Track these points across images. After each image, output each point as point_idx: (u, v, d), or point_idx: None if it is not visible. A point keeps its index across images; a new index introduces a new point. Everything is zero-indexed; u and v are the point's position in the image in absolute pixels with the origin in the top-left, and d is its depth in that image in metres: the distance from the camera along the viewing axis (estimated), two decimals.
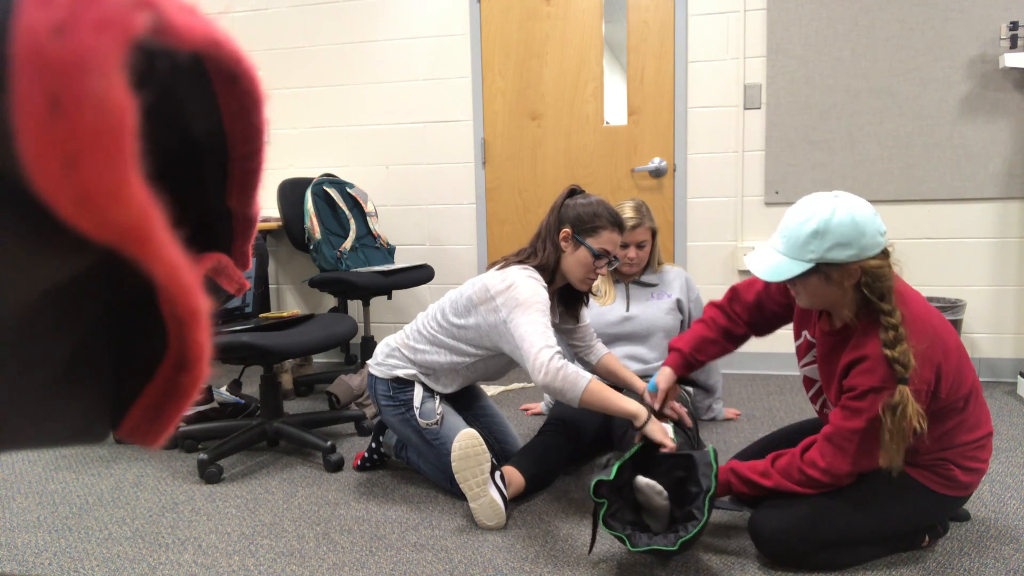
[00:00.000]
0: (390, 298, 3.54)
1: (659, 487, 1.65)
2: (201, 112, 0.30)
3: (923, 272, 3.35)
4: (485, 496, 1.93)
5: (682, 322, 2.66)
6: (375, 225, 3.63)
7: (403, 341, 2.19)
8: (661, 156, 3.59)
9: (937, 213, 3.31)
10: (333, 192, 3.50)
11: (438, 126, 3.82)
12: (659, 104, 3.57)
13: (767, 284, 1.90)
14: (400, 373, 2.15)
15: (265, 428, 2.50)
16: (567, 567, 1.74)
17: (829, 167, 3.37)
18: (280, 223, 3.49)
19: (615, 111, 3.65)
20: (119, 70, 0.20)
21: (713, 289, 3.55)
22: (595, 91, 3.64)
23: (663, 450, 1.77)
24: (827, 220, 1.51)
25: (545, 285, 2.01)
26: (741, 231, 3.51)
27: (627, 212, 2.55)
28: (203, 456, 2.32)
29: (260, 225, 3.53)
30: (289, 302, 4.17)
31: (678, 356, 1.99)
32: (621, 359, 2.54)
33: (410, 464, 2.30)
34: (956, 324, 3.13)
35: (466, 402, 2.35)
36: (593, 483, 1.66)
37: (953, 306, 3.13)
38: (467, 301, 2.06)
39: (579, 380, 1.84)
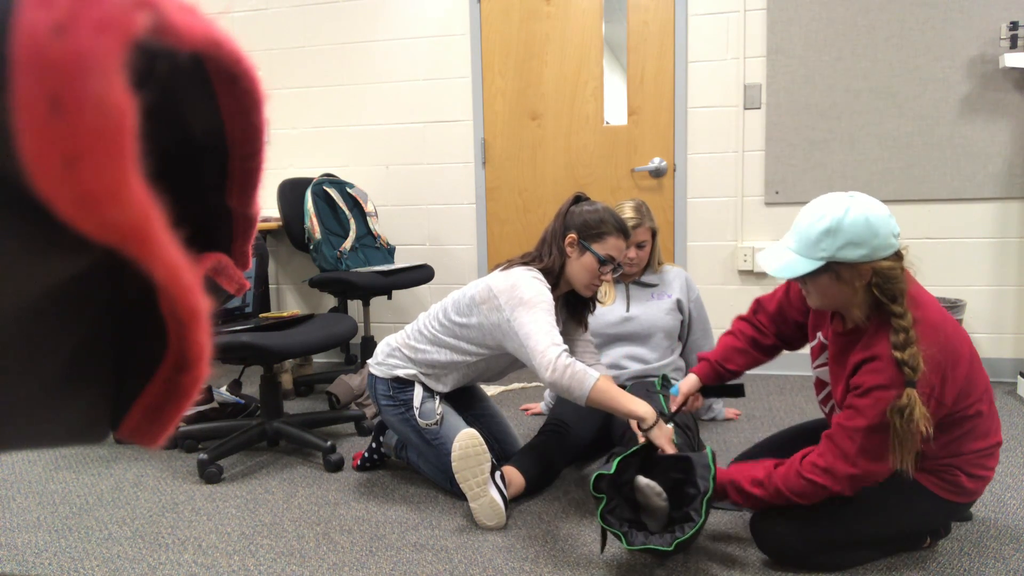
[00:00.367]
0: (390, 298, 3.54)
1: (658, 488, 1.65)
2: (201, 112, 0.30)
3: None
4: (485, 496, 1.93)
5: (682, 322, 2.66)
6: (375, 225, 3.63)
7: (404, 341, 2.19)
8: (661, 156, 3.59)
9: (937, 213, 3.31)
10: (333, 192, 3.50)
11: (438, 126, 3.82)
12: (659, 104, 3.57)
13: (787, 291, 1.90)
14: (400, 373, 2.15)
15: (265, 428, 2.50)
16: (567, 567, 1.74)
17: (829, 167, 3.37)
18: (280, 223, 3.49)
19: (615, 111, 3.65)
20: (119, 70, 0.20)
21: (713, 289, 3.55)
22: (595, 91, 3.64)
23: (660, 452, 1.78)
24: (840, 219, 1.50)
25: (548, 287, 2.01)
26: (741, 231, 3.51)
27: (627, 212, 2.55)
28: (203, 456, 2.32)
29: (260, 225, 3.53)
30: (289, 302, 4.17)
31: (705, 364, 1.97)
32: (621, 359, 2.54)
33: (410, 464, 2.30)
34: None
35: (466, 402, 2.35)
36: (593, 477, 1.66)
37: (953, 306, 3.13)
38: (470, 300, 2.06)
39: (587, 378, 1.84)
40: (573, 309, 2.21)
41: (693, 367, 2.02)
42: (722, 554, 1.78)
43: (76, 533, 1.98)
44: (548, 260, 2.06)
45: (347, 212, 3.51)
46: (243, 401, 2.96)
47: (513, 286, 1.97)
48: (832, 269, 1.54)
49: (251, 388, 3.44)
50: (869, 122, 3.32)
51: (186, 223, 0.32)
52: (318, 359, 4.12)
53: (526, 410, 2.99)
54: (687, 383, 1.96)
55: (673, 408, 1.95)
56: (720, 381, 1.97)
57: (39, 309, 0.26)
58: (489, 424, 2.35)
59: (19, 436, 0.29)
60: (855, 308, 1.60)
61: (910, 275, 1.60)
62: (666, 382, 2.44)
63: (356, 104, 3.91)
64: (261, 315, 2.84)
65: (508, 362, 2.16)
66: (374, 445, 2.38)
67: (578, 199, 2.13)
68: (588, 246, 2.03)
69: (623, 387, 2.23)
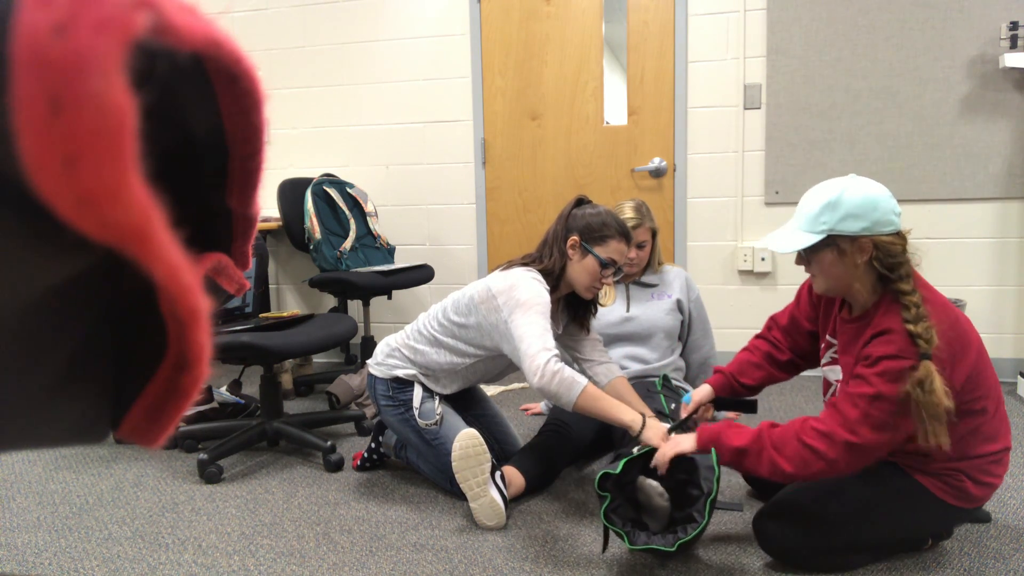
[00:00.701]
0: (390, 298, 3.54)
1: (660, 488, 1.65)
2: (201, 112, 0.30)
3: (923, 272, 3.34)
4: (485, 496, 1.93)
5: (682, 322, 2.66)
6: (375, 225, 3.63)
7: (403, 341, 2.19)
8: (661, 156, 3.59)
9: (937, 213, 3.31)
10: (333, 192, 3.50)
11: (438, 126, 3.82)
12: (659, 104, 3.57)
13: (797, 301, 1.90)
14: (400, 373, 2.15)
15: (265, 428, 2.50)
16: (567, 567, 1.74)
17: (829, 167, 3.37)
18: (280, 223, 3.49)
19: (615, 111, 3.65)
20: (119, 70, 0.20)
21: (713, 289, 3.55)
22: (595, 91, 3.64)
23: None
24: (840, 193, 1.54)
25: (548, 288, 2.01)
26: (741, 231, 3.51)
27: (627, 212, 2.55)
28: (203, 456, 2.32)
29: (260, 225, 3.53)
30: (289, 302, 4.17)
31: (720, 376, 1.95)
32: (621, 359, 2.54)
33: (410, 464, 2.30)
34: None
35: (466, 402, 2.35)
36: (599, 476, 1.66)
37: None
38: (469, 300, 2.06)
39: (574, 385, 1.83)
40: (575, 312, 2.21)
41: (708, 378, 1.98)
42: (724, 555, 1.78)
43: (76, 533, 1.98)
44: (549, 262, 2.06)
45: (347, 212, 3.51)
46: (243, 401, 2.96)
47: (512, 287, 1.97)
48: (834, 244, 1.55)
49: (251, 388, 3.44)
50: (869, 122, 3.32)
51: (186, 223, 0.32)
52: (318, 359, 4.12)
53: (526, 410, 2.99)
54: (700, 392, 1.93)
55: (683, 415, 1.93)
56: (734, 395, 1.94)
57: (39, 309, 0.26)
58: (489, 424, 2.35)
59: (19, 436, 0.29)
60: (859, 287, 1.59)
61: (922, 282, 1.59)
62: (667, 382, 2.44)
63: (356, 104, 3.91)
64: (261, 315, 2.84)
65: (507, 363, 2.16)
66: (373, 445, 2.38)
67: (580, 202, 2.13)
68: (590, 249, 2.03)
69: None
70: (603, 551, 1.78)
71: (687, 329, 2.69)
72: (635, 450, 1.76)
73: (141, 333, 0.31)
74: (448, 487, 2.14)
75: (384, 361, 2.20)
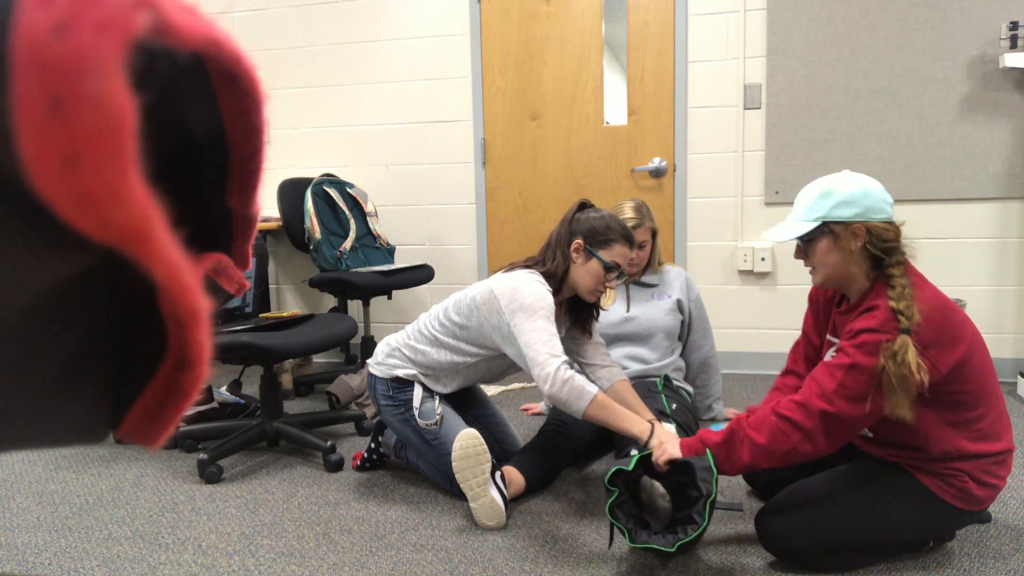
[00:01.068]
0: (390, 298, 3.54)
1: (662, 489, 1.66)
2: (201, 112, 0.30)
3: (923, 272, 3.34)
4: (485, 496, 1.93)
5: (682, 322, 2.66)
6: (375, 225, 3.63)
7: (404, 341, 2.19)
8: (661, 156, 3.59)
9: (937, 213, 3.31)
10: (333, 192, 3.50)
11: (438, 126, 3.82)
12: (659, 104, 3.57)
13: (805, 320, 1.91)
14: (400, 373, 2.15)
15: (265, 428, 2.50)
16: (567, 567, 1.74)
17: (829, 167, 3.37)
18: (280, 223, 3.49)
19: (615, 111, 3.65)
20: (119, 70, 0.20)
21: (713, 289, 3.55)
22: (595, 91, 3.64)
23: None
24: (833, 183, 1.61)
25: (550, 291, 2.02)
26: (741, 231, 3.51)
27: (627, 212, 2.55)
28: (203, 456, 2.32)
29: (260, 225, 3.53)
30: (289, 302, 4.17)
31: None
32: (622, 359, 2.54)
33: (409, 464, 2.30)
34: None
35: (466, 402, 2.35)
36: (612, 471, 1.67)
37: None
38: (470, 301, 2.06)
39: (584, 394, 1.85)
40: (577, 316, 2.20)
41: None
42: (725, 554, 1.78)
43: (76, 533, 1.98)
44: (552, 264, 2.06)
45: (347, 212, 3.51)
46: (243, 401, 2.96)
47: (514, 289, 1.97)
48: (828, 231, 1.60)
49: (251, 388, 3.44)
50: (869, 122, 3.32)
51: (186, 223, 0.32)
52: (318, 359, 4.12)
53: (526, 410, 2.99)
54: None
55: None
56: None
57: (39, 309, 0.26)
58: (489, 424, 2.35)
59: (19, 436, 0.29)
60: (856, 273, 1.62)
61: (911, 265, 1.62)
62: (668, 383, 2.44)
63: (356, 104, 3.91)
64: (261, 315, 2.84)
65: (507, 364, 2.16)
66: (373, 445, 2.38)
67: (583, 206, 2.14)
68: (594, 252, 2.03)
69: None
70: (609, 547, 1.78)
71: (687, 329, 2.69)
72: (634, 452, 1.77)
73: (141, 333, 0.31)
74: (448, 487, 2.14)
75: (384, 361, 2.20)
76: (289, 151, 4.02)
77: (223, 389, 3.10)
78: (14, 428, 0.28)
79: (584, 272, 2.05)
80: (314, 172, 3.88)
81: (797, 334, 2.35)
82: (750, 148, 3.46)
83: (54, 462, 2.54)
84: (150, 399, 0.31)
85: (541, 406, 2.95)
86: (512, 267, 2.10)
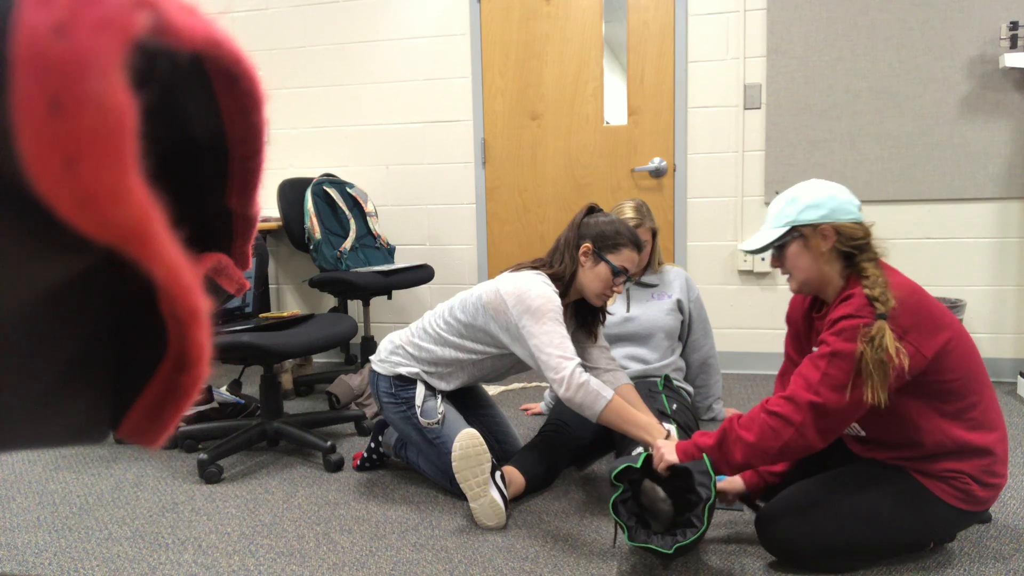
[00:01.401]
0: (390, 298, 3.54)
1: (663, 493, 1.66)
2: (201, 112, 0.30)
3: (923, 272, 3.35)
4: (485, 496, 1.93)
5: (682, 322, 2.66)
6: (375, 225, 3.63)
7: (408, 339, 2.19)
8: (661, 156, 3.59)
9: (937, 213, 3.31)
10: (333, 192, 3.50)
11: (438, 126, 3.82)
12: (659, 104, 3.57)
13: (787, 340, 1.92)
14: (403, 371, 2.15)
15: (265, 428, 2.50)
16: (567, 567, 1.74)
17: (829, 167, 3.37)
18: (280, 223, 3.49)
19: (615, 111, 3.65)
20: (119, 70, 0.20)
21: (713, 289, 3.55)
22: (595, 91, 3.64)
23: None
24: (799, 189, 1.67)
25: (557, 292, 2.02)
26: (741, 231, 3.51)
27: (627, 212, 2.55)
28: (203, 456, 2.32)
29: (260, 225, 3.53)
30: (289, 302, 4.17)
31: (755, 473, 1.89)
32: (622, 360, 2.54)
33: (409, 464, 2.30)
34: None
35: (467, 402, 2.35)
36: (620, 468, 1.67)
37: (953, 306, 3.13)
38: (476, 300, 2.07)
39: (600, 398, 1.86)
40: (583, 319, 2.20)
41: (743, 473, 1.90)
42: (725, 555, 1.78)
43: (76, 533, 1.98)
44: (560, 267, 2.07)
45: (347, 212, 3.51)
46: (243, 401, 2.96)
47: (521, 290, 1.98)
48: (798, 234, 1.64)
49: (251, 388, 3.44)
50: (869, 122, 3.32)
51: (186, 223, 0.32)
52: (318, 359, 4.12)
53: (526, 410, 2.99)
54: (729, 483, 1.88)
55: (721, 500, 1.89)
56: (765, 484, 1.89)
57: (39, 309, 0.26)
58: (490, 424, 2.35)
59: (19, 436, 0.29)
60: (829, 275, 1.64)
61: (889, 266, 1.64)
62: (668, 383, 2.44)
63: (356, 104, 3.91)
64: (261, 315, 2.84)
65: (512, 363, 2.16)
66: (373, 445, 2.38)
67: (592, 210, 2.14)
68: (603, 256, 2.04)
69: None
70: (613, 544, 1.78)
71: (687, 329, 2.69)
72: (638, 451, 1.77)
73: (141, 333, 0.31)
74: (448, 486, 2.14)
75: (388, 358, 2.20)
76: (289, 151, 4.02)
77: (223, 389, 3.10)
78: (14, 428, 0.28)
79: (592, 276, 2.05)
80: (314, 172, 3.88)
81: None
82: (750, 148, 3.46)
83: (54, 462, 2.54)
84: (150, 399, 0.31)
85: (541, 406, 2.95)
86: (519, 267, 2.11)
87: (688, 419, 2.23)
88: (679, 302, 2.63)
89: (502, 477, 2.01)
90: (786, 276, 1.72)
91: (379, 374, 2.20)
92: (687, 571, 1.70)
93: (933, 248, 3.32)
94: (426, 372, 2.16)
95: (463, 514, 2.04)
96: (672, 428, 1.92)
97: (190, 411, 2.74)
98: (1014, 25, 3.04)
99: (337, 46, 3.90)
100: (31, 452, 2.66)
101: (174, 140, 0.30)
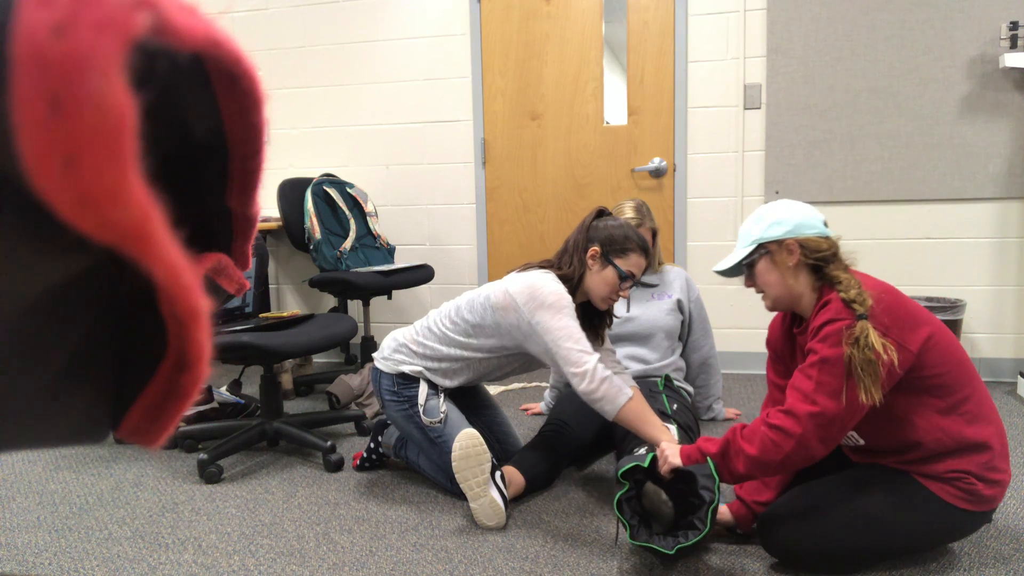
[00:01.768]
0: (390, 298, 3.54)
1: (665, 496, 1.66)
2: (201, 112, 0.30)
3: (923, 272, 3.35)
4: (485, 496, 1.93)
5: (683, 322, 2.66)
6: (375, 225, 3.63)
7: (412, 337, 2.19)
8: (661, 156, 3.59)
9: (937, 213, 3.31)
10: (333, 192, 3.50)
11: (438, 126, 3.82)
12: (659, 104, 3.57)
13: (768, 366, 1.93)
14: (406, 369, 2.15)
15: (265, 428, 2.50)
16: (567, 567, 1.74)
17: (829, 167, 3.37)
18: (280, 223, 3.49)
19: (615, 111, 3.65)
20: (119, 70, 0.20)
21: (713, 289, 3.55)
22: (595, 91, 3.64)
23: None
24: (765, 209, 1.73)
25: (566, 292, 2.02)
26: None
27: (627, 212, 2.55)
28: (203, 456, 2.32)
29: (260, 225, 3.53)
30: (289, 302, 4.17)
31: (742, 504, 1.86)
32: (622, 360, 2.54)
33: (409, 464, 2.30)
34: (956, 324, 3.13)
35: (468, 401, 2.35)
36: (628, 466, 1.68)
37: (953, 306, 3.13)
38: (484, 300, 2.07)
39: (619, 396, 1.87)
40: (590, 321, 2.20)
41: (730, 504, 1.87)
42: (726, 556, 1.78)
43: (76, 533, 1.98)
44: (568, 269, 2.07)
45: (347, 212, 3.51)
46: (243, 401, 2.96)
47: (533, 287, 1.98)
48: (765, 251, 1.68)
49: (251, 388, 3.44)
50: (869, 122, 3.32)
51: (186, 223, 0.32)
52: (318, 359, 4.12)
53: (526, 410, 2.99)
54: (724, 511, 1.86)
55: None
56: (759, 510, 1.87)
57: (39, 309, 0.26)
58: (491, 424, 2.35)
59: (19, 436, 0.29)
60: (801, 290, 1.67)
61: (860, 272, 1.67)
62: (669, 383, 2.44)
63: (356, 104, 3.91)
64: (261, 315, 2.84)
65: (518, 363, 2.16)
66: (373, 445, 2.38)
67: (601, 213, 2.14)
68: (611, 260, 2.04)
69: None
70: (615, 542, 1.78)
71: (687, 329, 2.69)
72: (642, 451, 1.78)
73: (141, 333, 0.31)
74: (449, 486, 2.14)
75: (391, 356, 2.19)
76: (289, 151, 4.02)
77: (223, 389, 3.10)
78: (14, 428, 0.28)
79: (599, 280, 2.06)
80: (314, 172, 3.88)
81: None
82: (750, 148, 3.46)
83: (54, 462, 2.54)
84: (150, 399, 0.31)
85: (541, 406, 2.95)
86: (527, 268, 2.11)
87: (688, 419, 2.23)
88: (679, 302, 2.63)
89: (502, 477, 2.01)
90: (760, 295, 1.75)
91: (382, 372, 2.20)
92: (687, 571, 1.70)
93: (933, 248, 3.32)
94: (429, 370, 2.15)
95: (463, 514, 2.04)
96: (672, 428, 1.92)
97: (190, 411, 2.74)
98: (1014, 25, 3.04)
99: (337, 46, 3.90)
100: (31, 452, 2.66)
101: (174, 140, 0.30)
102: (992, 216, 3.25)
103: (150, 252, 0.22)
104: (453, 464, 1.93)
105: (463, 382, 2.18)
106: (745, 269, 1.75)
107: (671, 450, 1.69)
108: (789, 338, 1.83)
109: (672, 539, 1.62)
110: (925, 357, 1.57)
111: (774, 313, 2.21)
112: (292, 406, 3.15)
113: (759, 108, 3.43)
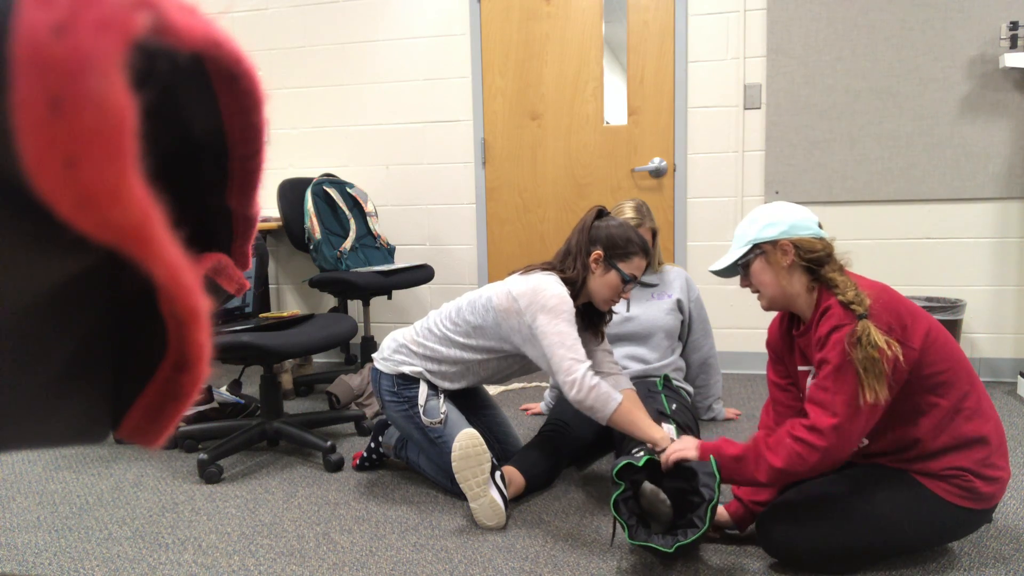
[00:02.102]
0: (390, 298, 3.54)
1: (663, 495, 1.66)
2: (201, 112, 0.30)
3: (923, 272, 3.35)
4: (485, 496, 1.93)
5: (682, 322, 2.66)
6: (375, 225, 3.63)
7: (412, 337, 2.19)
8: (661, 156, 3.59)
9: (937, 213, 3.31)
10: (333, 192, 3.50)
11: (438, 126, 3.82)
12: (659, 104, 3.57)
13: (768, 368, 1.93)
14: (406, 369, 2.15)
15: (265, 428, 2.50)
16: (567, 567, 1.74)
17: (829, 167, 3.37)
18: (280, 223, 3.49)
19: (615, 111, 3.65)
20: (119, 70, 0.20)
21: (713, 289, 3.55)
22: (595, 91, 3.64)
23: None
24: (760, 210, 1.75)
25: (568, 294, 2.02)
26: None
27: (627, 212, 2.55)
28: (203, 456, 2.32)
29: (260, 225, 3.53)
30: (289, 302, 4.17)
31: (740, 504, 1.86)
32: (622, 359, 2.54)
33: (409, 464, 2.30)
34: (956, 324, 3.13)
35: (468, 402, 2.35)
36: (621, 464, 1.67)
37: (953, 306, 3.13)
38: (486, 302, 2.06)
39: (610, 401, 1.87)
40: (589, 321, 2.20)
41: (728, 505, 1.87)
42: (726, 556, 1.78)
43: (76, 533, 1.98)
44: (572, 273, 2.06)
45: (347, 212, 3.51)
46: (243, 401, 2.96)
47: (535, 290, 1.98)
48: (759, 251, 1.70)
49: (251, 388, 3.44)
50: (869, 122, 3.32)
51: (186, 223, 0.32)
52: (318, 359, 4.12)
53: (526, 410, 2.99)
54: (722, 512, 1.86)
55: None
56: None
57: (39, 309, 0.26)
58: (491, 424, 2.35)
59: (19, 436, 0.29)
60: (794, 288, 1.68)
61: (854, 273, 1.67)
62: (668, 383, 2.44)
63: (356, 104, 3.91)
64: (261, 315, 2.84)
65: (519, 365, 2.16)
66: (373, 445, 2.38)
67: (600, 213, 2.14)
68: (614, 264, 2.04)
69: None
70: (611, 543, 1.78)
71: (687, 329, 2.69)
72: (640, 452, 1.77)
73: (141, 333, 0.31)
74: (449, 486, 2.14)
75: (391, 357, 2.19)
76: (289, 151, 4.02)
77: (223, 389, 3.10)
78: (14, 428, 0.28)
79: (602, 283, 2.05)
80: (314, 172, 3.88)
81: None
82: (750, 148, 3.46)
83: (54, 462, 2.54)
84: (150, 399, 0.31)
85: (541, 406, 2.95)
86: (529, 269, 2.10)
87: (688, 419, 2.23)
88: (679, 302, 2.63)
89: (502, 477, 2.01)
90: (757, 295, 1.77)
91: (382, 372, 2.19)
92: (687, 571, 1.70)
93: (933, 248, 3.32)
94: (429, 371, 2.15)
95: (463, 514, 2.04)
96: (672, 428, 1.92)
97: (190, 411, 2.74)
98: (1014, 25, 3.04)
99: (337, 46, 3.90)
100: (31, 452, 2.66)
101: (174, 140, 0.30)
102: (992, 216, 3.25)
103: (150, 252, 0.22)
104: (453, 464, 1.93)
105: (463, 386, 2.18)
106: (740, 269, 1.76)
107: (685, 443, 1.70)
108: (788, 340, 1.83)
109: (671, 538, 1.62)
110: (926, 354, 1.58)
111: (773, 313, 2.21)
112: (292, 406, 3.15)
113: (759, 108, 3.43)
